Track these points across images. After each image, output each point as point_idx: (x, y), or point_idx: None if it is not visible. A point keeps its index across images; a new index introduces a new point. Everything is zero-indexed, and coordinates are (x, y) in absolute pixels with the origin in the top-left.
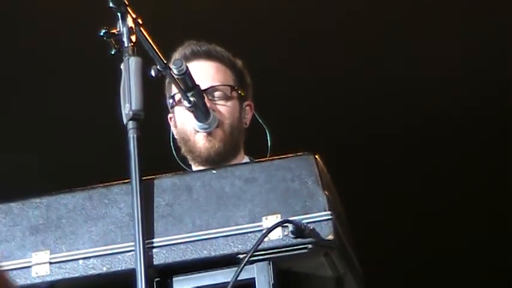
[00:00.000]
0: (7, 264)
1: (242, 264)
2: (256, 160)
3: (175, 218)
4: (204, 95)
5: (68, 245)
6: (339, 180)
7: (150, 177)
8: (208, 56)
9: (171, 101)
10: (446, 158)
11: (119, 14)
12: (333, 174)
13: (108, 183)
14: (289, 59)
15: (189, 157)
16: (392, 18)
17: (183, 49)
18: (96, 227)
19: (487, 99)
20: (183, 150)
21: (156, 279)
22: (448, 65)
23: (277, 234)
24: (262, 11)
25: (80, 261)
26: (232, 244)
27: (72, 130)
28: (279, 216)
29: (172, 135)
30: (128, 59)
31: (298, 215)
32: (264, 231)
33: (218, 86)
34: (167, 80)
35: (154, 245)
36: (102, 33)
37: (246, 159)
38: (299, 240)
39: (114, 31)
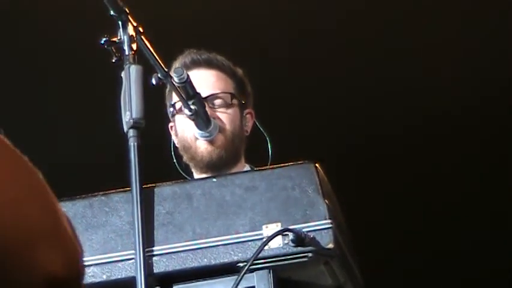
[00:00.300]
0: None
1: (242, 273)
2: (257, 168)
3: (176, 226)
4: (205, 103)
5: None
6: (339, 180)
7: (151, 185)
8: (209, 64)
9: (171, 109)
10: (446, 158)
11: (119, 22)
12: (333, 175)
13: (108, 191)
14: (289, 59)
15: (191, 164)
16: (392, 18)
17: (183, 58)
18: (97, 235)
19: (487, 99)
20: (184, 158)
21: None
22: (448, 65)
23: (277, 243)
24: (262, 11)
25: None
26: (232, 252)
27: (71, 137)
28: (279, 224)
29: (173, 144)
30: (129, 67)
31: (298, 224)
32: (264, 239)
33: (219, 93)
34: (167, 89)
35: (155, 253)
36: (102, 42)
37: (247, 167)
38: (299, 248)
39: (114, 39)
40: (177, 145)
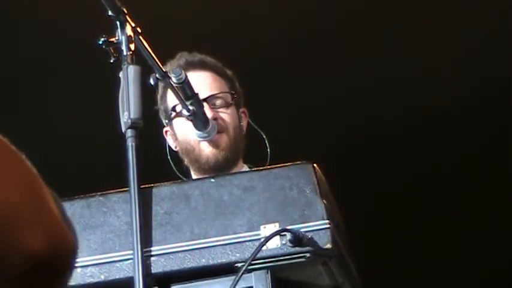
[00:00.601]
0: None
1: (240, 273)
2: (255, 169)
3: (174, 226)
4: (205, 104)
5: None
6: (338, 180)
7: (149, 185)
8: (203, 65)
9: (171, 112)
10: (446, 158)
11: (117, 23)
12: (333, 174)
13: (106, 192)
14: (288, 59)
15: (193, 167)
16: (392, 18)
17: (177, 60)
18: (95, 235)
19: (487, 99)
20: (186, 161)
21: None
22: (448, 65)
23: (275, 243)
24: (262, 11)
25: (78, 270)
26: (230, 253)
27: (71, 138)
28: (277, 225)
29: (170, 149)
30: (127, 67)
31: (296, 224)
32: (262, 239)
33: (219, 93)
34: (159, 94)
35: (153, 253)
36: (101, 42)
37: (246, 167)
38: (297, 249)
39: (112, 39)
40: (175, 149)
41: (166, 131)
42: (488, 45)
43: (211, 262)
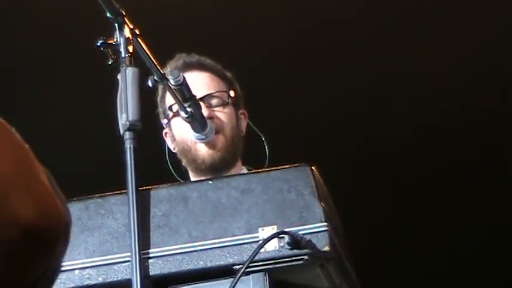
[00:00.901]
0: None
1: (238, 276)
2: (253, 171)
3: (172, 228)
4: (201, 104)
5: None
6: (338, 180)
7: (147, 187)
8: (201, 66)
9: (168, 112)
10: (446, 158)
11: (116, 25)
12: (333, 175)
13: (104, 194)
14: (289, 59)
15: (190, 168)
16: (392, 18)
17: (175, 61)
18: (92, 238)
19: (487, 99)
20: (184, 162)
21: None
22: (448, 65)
23: (273, 246)
24: (262, 11)
25: (76, 272)
26: (228, 255)
27: (68, 139)
28: (275, 227)
29: (169, 151)
30: (125, 69)
31: (294, 226)
32: (260, 242)
33: (215, 93)
34: (159, 96)
35: (151, 255)
36: (99, 44)
37: (244, 169)
38: (295, 251)
39: (111, 41)
40: (173, 150)
41: (165, 133)
42: (488, 45)
43: (209, 264)
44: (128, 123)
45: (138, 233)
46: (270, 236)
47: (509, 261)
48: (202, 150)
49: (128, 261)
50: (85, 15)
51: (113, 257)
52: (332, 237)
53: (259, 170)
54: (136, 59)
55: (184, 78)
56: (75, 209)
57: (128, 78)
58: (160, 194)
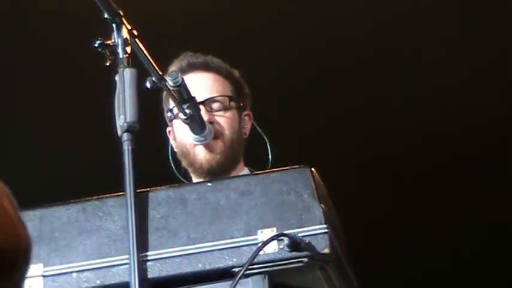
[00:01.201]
0: None
1: (237, 278)
2: (252, 173)
3: (170, 231)
4: (201, 106)
5: (61, 258)
6: (338, 180)
7: (145, 189)
8: (206, 67)
9: (169, 114)
10: (446, 158)
11: (113, 25)
12: (333, 175)
13: (102, 196)
14: (289, 59)
15: (190, 170)
16: (392, 18)
17: (180, 61)
18: (90, 240)
19: (487, 99)
20: (183, 163)
21: None
22: (448, 65)
23: (272, 248)
24: (262, 11)
25: (74, 275)
26: (227, 257)
27: (66, 140)
28: (274, 229)
29: (171, 148)
30: (123, 70)
31: (294, 229)
32: (259, 244)
33: (216, 97)
34: (164, 94)
35: (149, 258)
36: (96, 45)
37: (246, 170)
38: (295, 253)
39: (108, 42)
40: (175, 149)
41: (169, 131)
42: (488, 45)
43: (208, 267)
44: (125, 124)
45: (136, 236)
46: (269, 238)
47: (509, 261)
48: (200, 155)
49: (126, 264)
50: (85, 16)
51: (111, 259)
52: (332, 240)
53: (259, 172)
54: (134, 59)
55: (183, 79)
56: (73, 211)
57: (125, 79)
58: (158, 196)
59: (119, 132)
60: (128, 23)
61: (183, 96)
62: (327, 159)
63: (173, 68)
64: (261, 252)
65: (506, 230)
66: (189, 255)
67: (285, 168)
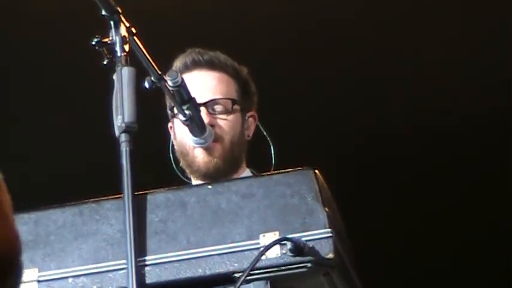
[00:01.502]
0: None
1: (238, 284)
2: (255, 175)
3: (169, 235)
4: (203, 108)
5: (57, 263)
6: (338, 180)
7: (143, 192)
8: (211, 65)
9: (170, 112)
10: (446, 158)
11: (111, 23)
12: (333, 175)
13: (99, 198)
14: (289, 59)
15: (188, 171)
16: (392, 18)
17: (184, 57)
18: (87, 244)
19: (487, 99)
20: (181, 163)
21: None
22: (448, 65)
23: (275, 252)
24: (262, 11)
25: (70, 280)
26: (228, 262)
27: (66, 140)
28: (277, 233)
29: (172, 145)
30: (121, 69)
31: (297, 233)
32: (261, 249)
33: (219, 99)
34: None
35: (147, 263)
36: (94, 42)
37: (248, 172)
38: (298, 258)
39: (106, 40)
40: (175, 147)
41: (170, 127)
42: (488, 45)
43: (208, 272)
44: (123, 125)
45: (134, 240)
46: (271, 243)
47: (509, 261)
48: (199, 157)
49: (123, 268)
50: (85, 16)
51: (108, 264)
52: (336, 244)
53: (261, 174)
54: (133, 58)
55: (182, 79)
56: (69, 214)
57: (123, 78)
58: (157, 199)
59: (117, 133)
60: (127, 21)
61: (183, 96)
62: (327, 160)
63: (178, 63)
64: (263, 257)
65: (506, 230)
66: (189, 260)
67: (288, 170)
